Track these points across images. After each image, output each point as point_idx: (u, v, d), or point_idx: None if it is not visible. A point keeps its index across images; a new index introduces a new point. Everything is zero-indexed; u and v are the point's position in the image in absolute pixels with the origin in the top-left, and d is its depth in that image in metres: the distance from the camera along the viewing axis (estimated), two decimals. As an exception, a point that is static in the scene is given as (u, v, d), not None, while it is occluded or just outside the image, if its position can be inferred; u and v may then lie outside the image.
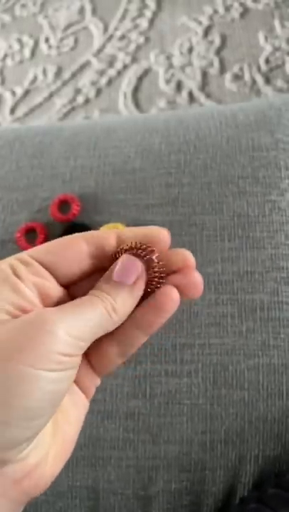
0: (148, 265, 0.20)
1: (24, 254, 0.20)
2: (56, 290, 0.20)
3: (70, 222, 0.40)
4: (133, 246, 0.20)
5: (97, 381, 0.22)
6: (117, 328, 0.20)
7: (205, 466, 0.34)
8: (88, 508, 0.35)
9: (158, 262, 0.20)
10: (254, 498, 0.33)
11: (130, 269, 0.20)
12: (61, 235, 0.39)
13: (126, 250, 0.20)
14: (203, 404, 0.35)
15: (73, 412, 0.21)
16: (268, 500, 0.32)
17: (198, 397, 0.35)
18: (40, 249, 0.20)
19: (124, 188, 0.41)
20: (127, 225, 0.39)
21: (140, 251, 0.20)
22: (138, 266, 0.20)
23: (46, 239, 0.40)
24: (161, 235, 0.21)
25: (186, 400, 0.35)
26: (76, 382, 0.21)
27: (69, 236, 0.21)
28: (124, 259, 0.20)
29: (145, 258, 0.20)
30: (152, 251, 0.20)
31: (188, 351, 0.36)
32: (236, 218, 0.39)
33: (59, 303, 0.20)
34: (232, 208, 0.39)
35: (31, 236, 0.40)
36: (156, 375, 0.36)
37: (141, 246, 0.20)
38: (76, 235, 0.21)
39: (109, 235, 0.21)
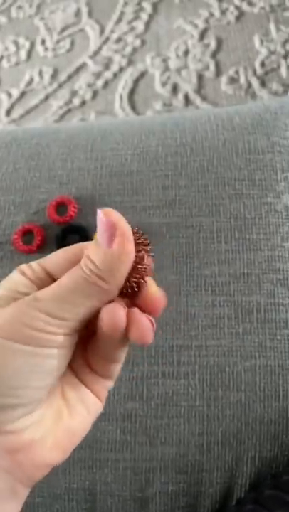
0: (139, 259, 0.20)
1: (34, 262, 0.22)
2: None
3: (67, 224, 0.40)
4: (134, 231, 0.20)
5: (107, 383, 0.22)
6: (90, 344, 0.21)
7: (202, 468, 0.34)
8: (85, 510, 0.35)
9: (146, 262, 0.20)
10: (251, 499, 0.33)
11: (111, 228, 0.19)
12: (58, 237, 0.40)
13: None
14: (200, 405, 0.35)
15: (80, 409, 0.21)
16: (265, 502, 0.32)
17: (195, 399, 0.35)
18: (49, 259, 0.21)
19: (121, 190, 0.41)
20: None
21: (138, 239, 0.20)
22: (118, 225, 0.19)
23: (43, 241, 0.40)
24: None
25: (183, 401, 0.35)
26: (84, 383, 0.22)
27: (73, 249, 0.21)
28: (101, 216, 0.19)
29: (140, 252, 0.20)
30: (148, 246, 0.20)
31: (185, 353, 0.36)
32: (233, 220, 0.39)
33: None
34: (229, 210, 0.39)
35: (28, 238, 0.40)
36: (153, 377, 0.36)
37: (140, 237, 0.20)
38: (79, 247, 0.21)
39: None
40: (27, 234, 0.40)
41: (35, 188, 0.42)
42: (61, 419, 0.21)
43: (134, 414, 0.35)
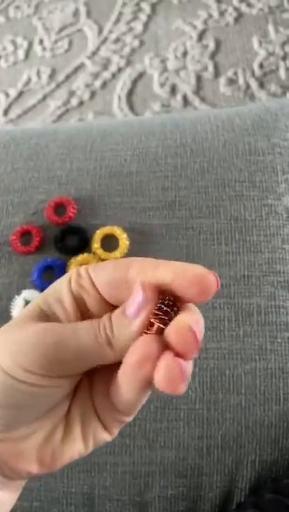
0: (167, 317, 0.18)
1: (82, 268, 0.20)
2: (96, 306, 0.20)
3: (66, 225, 0.40)
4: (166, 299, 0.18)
5: (125, 418, 0.21)
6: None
7: (201, 472, 0.34)
8: (83, 514, 0.34)
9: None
10: (251, 503, 0.33)
11: (137, 303, 0.18)
12: (57, 238, 0.39)
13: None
14: (200, 409, 0.35)
15: (77, 436, 0.21)
16: (265, 506, 0.32)
17: (195, 402, 0.35)
18: (99, 268, 0.20)
19: (120, 191, 0.41)
20: (124, 229, 0.39)
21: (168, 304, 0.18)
22: (144, 301, 0.18)
23: (41, 242, 0.40)
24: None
25: (183, 404, 0.35)
26: (98, 415, 0.21)
27: (124, 263, 0.19)
28: (139, 288, 0.18)
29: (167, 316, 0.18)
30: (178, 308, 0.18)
31: (185, 355, 0.36)
32: (233, 222, 0.39)
33: (98, 316, 0.20)
34: (229, 211, 0.39)
35: (26, 239, 0.40)
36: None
37: (170, 301, 0.18)
38: (130, 262, 0.19)
39: (163, 279, 0.19)
40: (25, 235, 0.40)
41: (34, 189, 0.42)
42: (51, 441, 0.20)
43: (134, 418, 0.35)
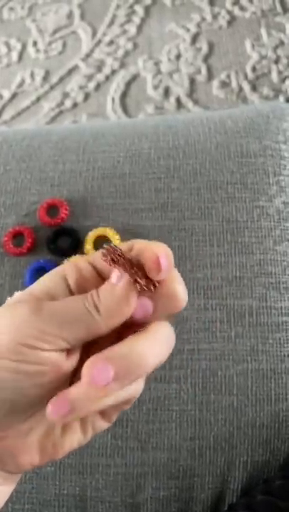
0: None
1: (80, 260, 0.22)
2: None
3: (58, 227, 0.40)
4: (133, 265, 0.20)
5: (124, 407, 0.22)
6: None
7: (193, 473, 0.34)
8: (75, 516, 0.34)
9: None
10: (243, 504, 0.33)
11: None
12: (49, 240, 0.39)
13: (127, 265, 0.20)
14: (192, 410, 0.35)
15: (76, 427, 0.21)
16: (257, 507, 0.32)
17: (187, 403, 0.35)
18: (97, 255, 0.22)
19: (113, 192, 0.41)
20: (116, 230, 0.39)
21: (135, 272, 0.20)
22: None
23: (34, 243, 0.40)
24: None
25: (175, 406, 0.35)
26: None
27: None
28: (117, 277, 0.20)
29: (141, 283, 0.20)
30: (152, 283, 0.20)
31: (177, 357, 0.36)
32: (225, 223, 0.39)
33: None
34: (221, 213, 0.39)
35: (19, 240, 0.40)
36: (145, 381, 0.35)
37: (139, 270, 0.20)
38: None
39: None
40: (17, 236, 0.40)
41: (26, 190, 0.42)
42: (51, 434, 0.21)
43: (126, 419, 0.35)
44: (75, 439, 0.21)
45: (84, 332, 0.20)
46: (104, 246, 0.20)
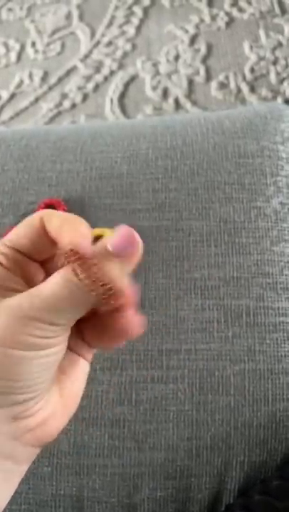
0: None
1: (4, 247, 0.22)
2: (37, 270, 0.22)
3: (55, 227, 0.40)
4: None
5: (95, 349, 0.24)
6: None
7: (191, 473, 0.34)
8: (72, 517, 0.34)
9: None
10: (240, 504, 0.33)
11: (129, 245, 0.20)
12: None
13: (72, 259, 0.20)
14: (189, 410, 0.35)
15: (75, 373, 0.23)
16: (254, 507, 0.32)
17: (184, 403, 0.35)
18: (12, 236, 0.22)
19: (110, 192, 0.41)
20: (114, 230, 0.39)
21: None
22: (137, 244, 0.20)
23: (31, 243, 0.40)
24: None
25: (172, 406, 0.35)
26: (74, 350, 0.23)
27: (33, 222, 0.21)
28: (123, 232, 0.20)
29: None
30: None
31: (174, 357, 0.36)
32: (222, 224, 0.39)
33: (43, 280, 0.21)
34: (218, 213, 0.39)
35: (16, 240, 0.40)
36: (142, 381, 0.35)
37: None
38: (38, 219, 0.21)
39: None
40: (15, 236, 0.40)
41: (24, 190, 0.42)
42: (65, 390, 0.22)
43: (123, 419, 0.35)
44: (78, 384, 0.23)
45: (87, 309, 0.20)
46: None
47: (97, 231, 0.39)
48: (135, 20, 1.25)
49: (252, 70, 1.10)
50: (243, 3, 1.23)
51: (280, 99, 1.05)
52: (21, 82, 1.18)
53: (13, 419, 0.20)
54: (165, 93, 1.10)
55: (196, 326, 0.36)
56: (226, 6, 1.24)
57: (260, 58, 1.12)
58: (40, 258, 0.22)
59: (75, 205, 0.41)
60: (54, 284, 0.19)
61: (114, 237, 0.20)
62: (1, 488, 0.21)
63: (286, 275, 0.38)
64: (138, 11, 1.27)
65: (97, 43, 1.22)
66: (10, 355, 0.19)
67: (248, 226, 0.39)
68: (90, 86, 1.14)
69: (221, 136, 0.42)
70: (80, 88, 1.15)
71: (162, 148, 0.42)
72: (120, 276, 0.20)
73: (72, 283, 0.19)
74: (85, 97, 1.13)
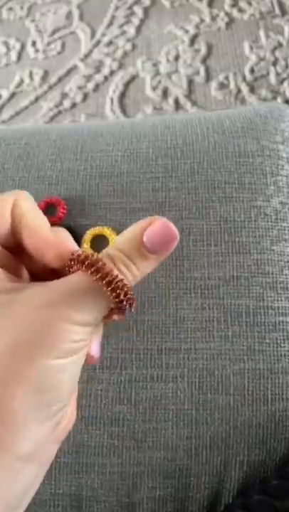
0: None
1: None
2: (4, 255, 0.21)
3: (55, 225, 0.40)
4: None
5: None
6: None
7: (190, 473, 0.34)
8: (71, 516, 0.34)
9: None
10: (239, 504, 0.33)
11: (167, 241, 0.20)
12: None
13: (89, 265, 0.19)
14: (189, 409, 0.35)
15: None
16: (254, 507, 0.32)
17: (184, 403, 0.35)
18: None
19: (110, 191, 0.41)
20: (114, 229, 0.39)
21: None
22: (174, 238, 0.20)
23: (31, 242, 0.39)
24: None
25: (172, 405, 0.35)
26: None
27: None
28: (161, 228, 0.19)
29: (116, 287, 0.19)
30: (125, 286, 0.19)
31: (173, 356, 0.36)
32: (222, 223, 0.39)
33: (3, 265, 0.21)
34: (218, 213, 0.39)
35: (16, 239, 0.40)
36: (142, 380, 0.35)
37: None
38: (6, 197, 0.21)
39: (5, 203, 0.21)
40: (15, 235, 0.40)
41: (24, 189, 0.42)
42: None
43: (122, 418, 0.35)
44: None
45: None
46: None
47: (98, 230, 0.39)
48: (135, 20, 1.25)
49: (252, 71, 1.10)
50: (243, 4, 1.23)
51: (280, 100, 1.05)
52: (21, 81, 1.18)
53: (56, 424, 0.20)
54: (165, 93, 1.10)
55: (195, 325, 0.36)
56: (226, 7, 1.24)
57: (260, 59, 1.12)
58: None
59: (75, 204, 0.41)
60: (77, 282, 0.19)
61: (151, 232, 0.19)
62: (32, 493, 0.21)
63: (286, 275, 0.38)
64: (138, 11, 1.27)
65: (98, 43, 1.22)
66: (51, 365, 0.18)
67: (248, 225, 0.39)
68: (90, 86, 1.14)
69: (221, 135, 0.42)
70: (80, 88, 1.15)
71: (162, 147, 0.42)
72: (142, 274, 0.20)
73: (94, 283, 0.19)
74: (85, 97, 1.13)
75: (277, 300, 0.37)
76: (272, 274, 0.37)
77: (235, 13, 1.22)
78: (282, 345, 0.36)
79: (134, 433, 0.35)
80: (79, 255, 0.19)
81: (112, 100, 1.11)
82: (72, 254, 0.20)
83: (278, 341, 0.36)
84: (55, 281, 0.20)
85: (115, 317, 0.21)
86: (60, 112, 1.11)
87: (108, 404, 0.35)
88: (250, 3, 1.23)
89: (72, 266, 0.20)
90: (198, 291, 0.37)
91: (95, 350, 0.23)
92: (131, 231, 0.20)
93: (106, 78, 1.15)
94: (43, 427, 0.19)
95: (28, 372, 0.18)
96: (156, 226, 0.19)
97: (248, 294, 0.37)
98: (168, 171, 0.41)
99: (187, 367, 0.35)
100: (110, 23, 1.26)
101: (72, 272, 0.20)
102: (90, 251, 0.39)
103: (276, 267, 0.38)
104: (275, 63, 1.11)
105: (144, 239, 0.19)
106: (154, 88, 1.11)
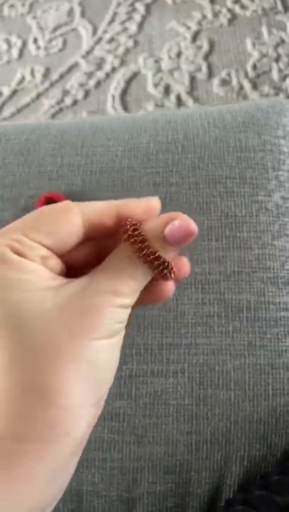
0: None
1: (21, 236, 0.20)
2: (58, 264, 0.21)
3: (56, 221, 0.40)
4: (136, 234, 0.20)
5: None
6: None
7: (190, 468, 0.34)
8: (71, 510, 0.34)
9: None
10: (240, 499, 0.32)
11: (185, 237, 0.20)
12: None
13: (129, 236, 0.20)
14: (189, 404, 0.35)
15: None
16: (254, 502, 0.32)
17: (184, 398, 0.35)
18: (33, 226, 0.20)
19: (111, 186, 0.41)
20: (114, 224, 0.39)
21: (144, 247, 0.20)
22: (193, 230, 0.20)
23: (32, 237, 0.39)
24: (156, 207, 0.21)
25: (172, 400, 0.35)
26: None
27: (62, 207, 0.21)
28: (179, 223, 0.20)
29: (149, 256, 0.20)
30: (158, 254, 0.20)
31: (174, 351, 0.35)
32: (224, 218, 0.39)
33: (61, 275, 0.21)
34: (219, 208, 0.39)
35: (16, 234, 0.39)
36: (142, 376, 0.35)
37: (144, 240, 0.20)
38: (70, 205, 0.21)
39: (110, 211, 0.21)
40: (15, 230, 0.40)
41: (24, 184, 0.42)
42: None
43: (123, 413, 0.35)
44: None
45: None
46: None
47: (98, 225, 0.39)
48: (137, 17, 1.25)
49: (254, 67, 1.10)
50: (245, 0, 1.23)
51: (282, 96, 1.05)
52: (23, 78, 1.18)
53: (98, 409, 0.20)
54: (167, 90, 1.09)
55: (196, 320, 0.36)
56: (229, 3, 1.23)
57: (263, 55, 1.12)
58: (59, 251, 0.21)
59: (75, 199, 0.40)
60: (116, 260, 0.20)
61: (172, 226, 0.20)
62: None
63: (287, 270, 0.38)
64: (140, 7, 1.27)
65: (99, 40, 1.22)
66: (102, 345, 0.19)
67: (249, 220, 0.38)
68: (92, 83, 1.14)
69: (222, 130, 0.42)
70: (81, 85, 1.14)
71: (163, 142, 0.42)
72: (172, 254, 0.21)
73: (132, 258, 0.20)
74: (87, 94, 1.13)
75: (279, 295, 0.37)
76: (273, 269, 0.37)
77: (237, 9, 1.21)
78: (283, 340, 0.36)
79: (135, 428, 0.34)
80: (126, 224, 0.20)
81: (113, 97, 1.10)
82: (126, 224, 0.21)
83: (279, 336, 0.36)
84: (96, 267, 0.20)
85: (158, 291, 0.22)
86: (61, 109, 1.11)
87: (108, 399, 0.35)
88: (252, 0, 1.22)
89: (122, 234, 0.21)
90: (199, 286, 0.37)
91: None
92: (154, 223, 0.21)
93: (108, 75, 1.15)
94: (94, 408, 0.19)
95: (81, 352, 0.18)
96: (177, 223, 0.20)
97: (249, 289, 0.37)
98: (169, 165, 0.41)
99: (188, 362, 0.35)
100: (112, 20, 1.26)
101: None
102: None
103: (277, 262, 0.38)
104: (277, 60, 1.10)
105: (166, 232, 0.20)
106: (155, 85, 1.10)
